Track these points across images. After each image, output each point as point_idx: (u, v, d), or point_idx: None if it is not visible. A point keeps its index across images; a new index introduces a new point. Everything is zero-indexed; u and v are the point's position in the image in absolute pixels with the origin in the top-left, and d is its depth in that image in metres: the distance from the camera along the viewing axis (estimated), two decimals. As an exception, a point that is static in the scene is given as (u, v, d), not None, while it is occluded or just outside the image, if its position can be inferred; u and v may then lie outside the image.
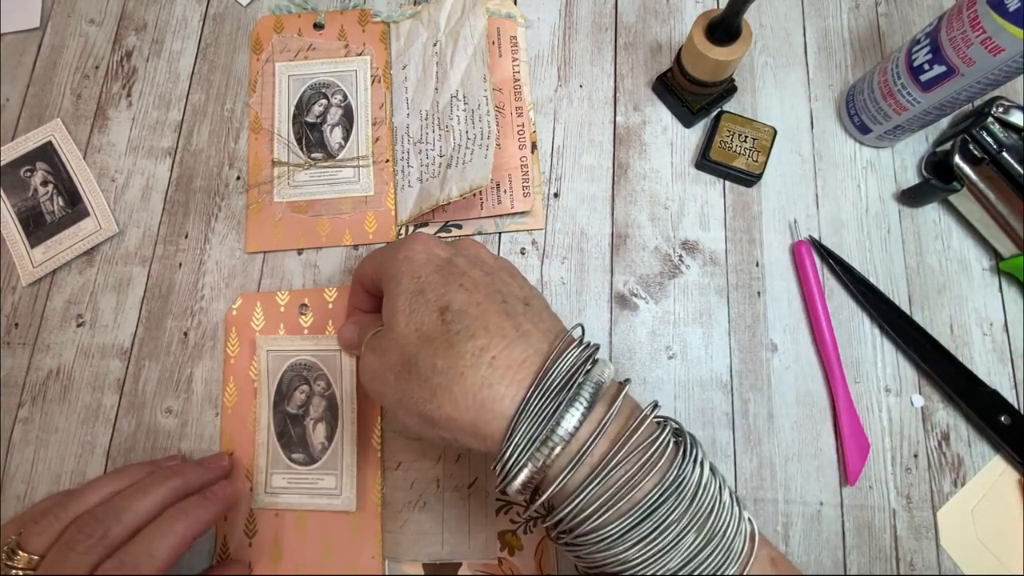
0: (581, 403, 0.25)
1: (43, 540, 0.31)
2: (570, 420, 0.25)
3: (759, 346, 0.40)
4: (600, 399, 0.26)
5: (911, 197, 0.42)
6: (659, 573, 0.24)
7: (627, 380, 0.28)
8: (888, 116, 0.40)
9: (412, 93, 0.44)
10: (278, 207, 0.43)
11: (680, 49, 0.41)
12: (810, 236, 0.42)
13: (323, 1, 0.47)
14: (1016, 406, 0.39)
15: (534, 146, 0.44)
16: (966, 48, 0.34)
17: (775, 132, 0.42)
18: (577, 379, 0.26)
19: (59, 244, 0.42)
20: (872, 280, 0.41)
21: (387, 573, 0.37)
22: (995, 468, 0.39)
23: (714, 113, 0.44)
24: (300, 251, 0.42)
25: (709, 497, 0.25)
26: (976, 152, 0.38)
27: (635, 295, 0.41)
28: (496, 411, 0.26)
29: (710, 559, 0.24)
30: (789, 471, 0.39)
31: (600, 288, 0.42)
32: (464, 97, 0.42)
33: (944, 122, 0.43)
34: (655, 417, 0.27)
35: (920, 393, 0.40)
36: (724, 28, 0.37)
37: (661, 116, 0.45)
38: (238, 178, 0.43)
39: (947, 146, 0.40)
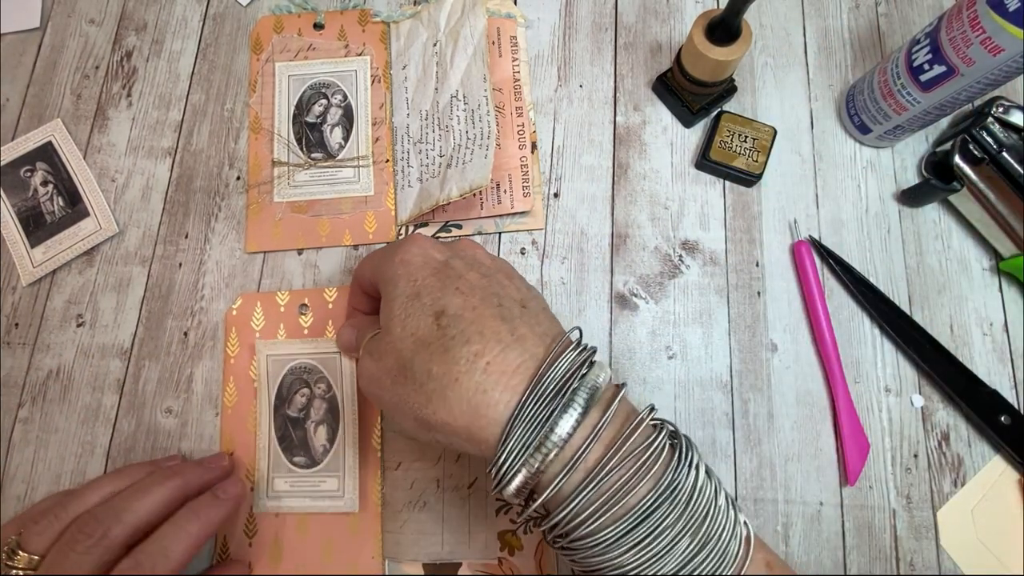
0: (576, 408, 0.25)
1: (43, 540, 0.31)
2: (564, 426, 0.25)
3: (759, 346, 0.40)
4: (595, 403, 0.26)
5: (911, 197, 0.42)
6: None
7: (623, 383, 0.28)
8: (888, 116, 0.40)
9: (412, 93, 0.44)
10: (278, 207, 0.43)
11: (680, 49, 0.41)
12: (810, 236, 0.42)
13: (323, 1, 0.47)
14: (1016, 406, 0.39)
15: (534, 146, 0.44)
16: (966, 48, 0.34)
17: (775, 132, 0.42)
18: (572, 384, 0.26)
19: (59, 244, 0.42)
20: (872, 280, 0.41)
21: (387, 573, 0.37)
22: (995, 468, 0.39)
23: (714, 113, 0.44)
24: (300, 251, 0.42)
25: (704, 501, 0.25)
26: (976, 152, 0.38)
27: (635, 295, 0.41)
28: (490, 417, 0.26)
29: (705, 563, 0.24)
30: (789, 471, 0.39)
31: (600, 288, 0.42)
32: (464, 97, 0.42)
33: (944, 122, 0.43)
34: (652, 420, 0.27)
35: (920, 393, 0.40)
36: (724, 28, 0.37)
37: (661, 116, 0.45)
38: (238, 178, 0.43)
39: (947, 146, 0.40)
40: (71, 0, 0.47)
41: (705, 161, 0.42)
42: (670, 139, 0.44)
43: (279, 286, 0.42)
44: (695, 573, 0.24)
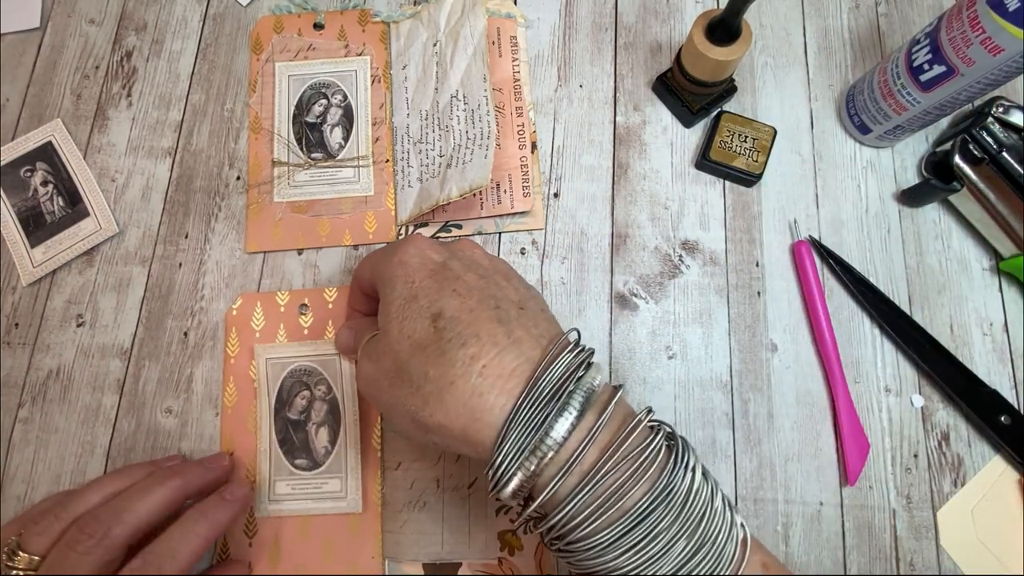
0: (571, 411, 0.25)
1: (44, 540, 0.31)
2: (559, 429, 0.25)
3: (759, 346, 0.40)
4: (591, 406, 0.26)
5: (911, 197, 0.42)
6: None
7: (620, 385, 0.28)
8: (888, 116, 0.40)
9: (412, 93, 0.44)
10: (278, 207, 0.43)
11: (680, 49, 0.41)
12: (810, 236, 0.42)
13: (323, 1, 0.47)
14: (1016, 406, 0.39)
15: (534, 146, 0.44)
16: (966, 48, 0.34)
17: (775, 132, 0.42)
18: (568, 387, 0.26)
19: (59, 244, 0.42)
20: (872, 280, 0.41)
21: (387, 573, 0.37)
22: (995, 468, 0.39)
23: (714, 113, 0.44)
24: (300, 251, 0.42)
25: (700, 504, 0.25)
26: (976, 152, 0.38)
27: (635, 295, 0.41)
28: (486, 420, 0.26)
29: (701, 565, 0.25)
30: (789, 471, 0.39)
31: (600, 288, 0.42)
32: (464, 97, 0.42)
33: (944, 122, 0.43)
34: (649, 422, 0.27)
35: (920, 393, 0.40)
36: (724, 28, 0.37)
37: (661, 116, 0.45)
38: (238, 178, 0.43)
39: (947, 146, 0.40)
40: (71, 0, 0.47)
41: (705, 161, 0.42)
42: (670, 139, 0.44)
43: (279, 286, 0.42)
44: (691, 575, 0.24)
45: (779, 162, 0.43)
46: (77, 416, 0.39)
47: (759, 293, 0.41)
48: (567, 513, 0.25)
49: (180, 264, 0.42)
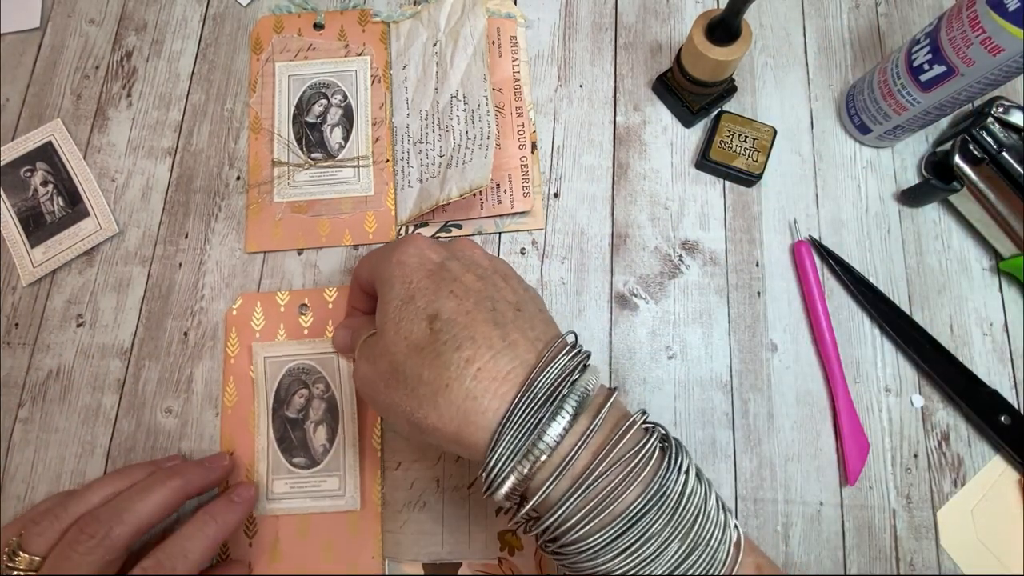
0: (564, 415, 0.25)
1: (44, 541, 0.31)
2: (552, 432, 0.25)
3: (759, 346, 0.40)
4: (585, 409, 0.26)
5: (911, 197, 0.42)
6: None
7: (615, 388, 0.28)
8: (888, 116, 0.40)
9: (412, 93, 0.44)
10: (278, 207, 0.43)
11: (680, 49, 0.41)
12: (810, 236, 0.42)
13: (323, 1, 0.47)
14: (1016, 406, 0.39)
15: (534, 146, 0.44)
16: (966, 48, 0.34)
17: (775, 132, 0.42)
18: (562, 391, 0.26)
19: (59, 244, 0.42)
20: (872, 280, 0.41)
21: (387, 573, 0.37)
22: (995, 468, 0.39)
23: (714, 113, 0.44)
24: (300, 251, 0.42)
25: (693, 506, 0.25)
26: (976, 152, 0.38)
27: (635, 295, 0.41)
28: (479, 424, 0.26)
29: (695, 566, 0.25)
30: (789, 471, 0.39)
31: (600, 288, 0.42)
32: (464, 97, 0.42)
33: (944, 122, 0.43)
34: (644, 424, 0.27)
35: (920, 393, 0.40)
36: (724, 28, 0.37)
37: (661, 116, 0.45)
38: (238, 178, 0.43)
39: (947, 146, 0.40)
40: (71, 0, 0.47)
41: (705, 161, 0.42)
42: (670, 139, 0.44)
43: (279, 286, 0.42)
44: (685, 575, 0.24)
45: (779, 162, 0.43)
46: (77, 416, 0.39)
47: (759, 293, 0.41)
48: (560, 516, 0.25)
49: (180, 264, 0.42)
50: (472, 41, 0.43)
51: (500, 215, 0.42)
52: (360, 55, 0.45)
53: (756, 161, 0.42)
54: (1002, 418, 0.38)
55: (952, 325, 0.41)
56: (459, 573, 0.37)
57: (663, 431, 0.28)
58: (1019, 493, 0.38)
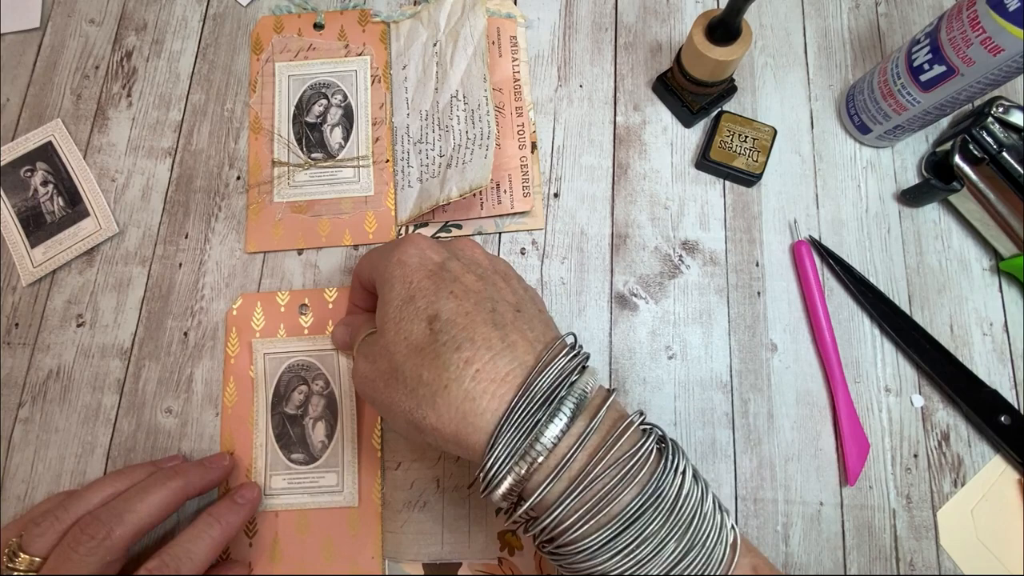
0: (562, 417, 0.25)
1: (45, 542, 0.31)
2: (549, 434, 0.25)
3: (759, 346, 0.40)
4: (583, 411, 0.26)
5: (911, 197, 0.42)
6: None
7: (613, 389, 0.28)
8: (888, 116, 0.40)
9: (412, 93, 0.44)
10: (278, 207, 0.43)
11: (680, 49, 0.41)
12: (810, 236, 0.42)
13: (323, 1, 0.47)
14: (1016, 406, 0.39)
15: (534, 146, 0.44)
16: (966, 48, 0.34)
17: (775, 132, 0.42)
18: (560, 392, 0.26)
19: (59, 244, 0.42)
20: (872, 280, 0.41)
21: (387, 573, 0.37)
22: (995, 468, 0.39)
23: (714, 113, 0.44)
24: (300, 251, 0.42)
25: (690, 507, 0.25)
26: (976, 152, 0.38)
27: (635, 295, 0.41)
28: (477, 425, 0.26)
29: (691, 566, 0.25)
30: (789, 471, 0.39)
31: (600, 288, 0.42)
32: (464, 97, 0.42)
33: (944, 122, 0.44)
34: (641, 425, 0.27)
35: (920, 393, 0.40)
36: (724, 28, 0.37)
37: (661, 116, 0.45)
38: (238, 178, 0.43)
39: (947, 146, 0.40)
40: (71, 0, 0.47)
41: (705, 161, 0.42)
42: (670, 139, 0.44)
43: (279, 286, 0.42)
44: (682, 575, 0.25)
45: (779, 162, 0.43)
46: (77, 416, 0.39)
47: (759, 293, 0.41)
48: (557, 516, 0.25)
49: (180, 264, 0.42)
50: (472, 41, 0.43)
51: (500, 215, 0.42)
52: (360, 55, 0.45)
53: (756, 161, 0.42)
54: (1002, 418, 0.38)
55: (952, 325, 0.41)
56: (459, 573, 0.37)
57: (660, 432, 0.28)
58: (1019, 493, 0.38)
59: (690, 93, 0.42)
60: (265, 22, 0.46)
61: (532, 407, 0.25)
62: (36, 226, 0.42)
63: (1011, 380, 0.40)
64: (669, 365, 0.40)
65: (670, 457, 0.26)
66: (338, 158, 0.43)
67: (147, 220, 0.43)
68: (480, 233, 0.42)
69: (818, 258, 0.42)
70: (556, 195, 0.43)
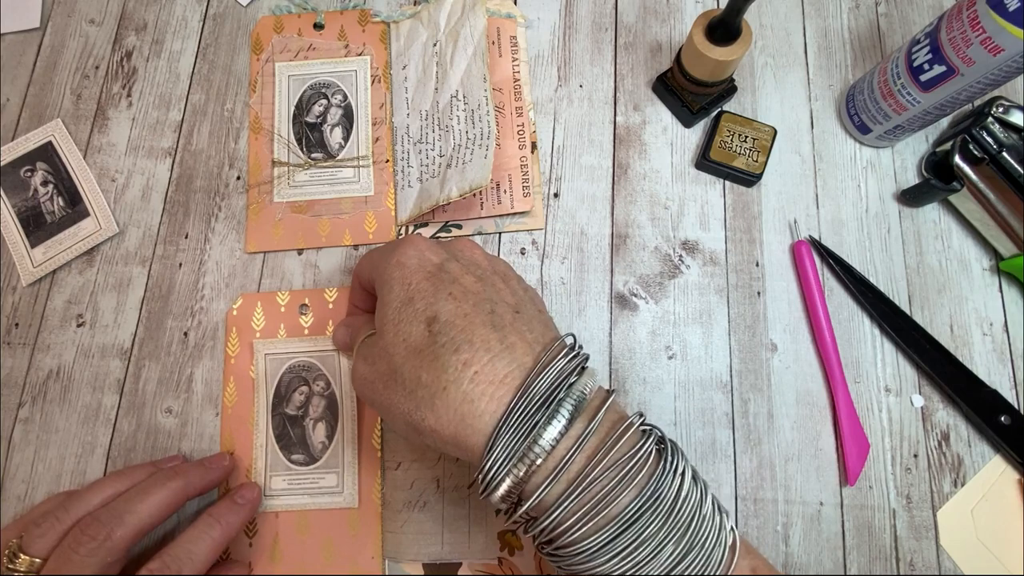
0: (560, 419, 0.25)
1: (45, 543, 0.31)
2: (548, 436, 0.25)
3: (759, 346, 0.40)
4: (581, 413, 0.26)
5: (911, 197, 0.42)
6: None
7: (612, 390, 0.28)
8: (888, 116, 0.40)
9: (412, 93, 0.44)
10: (278, 207, 0.43)
11: (680, 49, 0.41)
12: (810, 236, 0.42)
13: (323, 1, 0.47)
14: (1016, 406, 0.39)
15: (534, 146, 0.44)
16: (966, 48, 0.34)
17: (775, 132, 0.42)
18: (558, 394, 0.26)
19: (59, 244, 0.42)
20: (872, 280, 0.41)
21: (387, 573, 0.37)
22: (995, 468, 0.39)
23: (714, 113, 0.44)
24: (300, 251, 0.42)
25: (688, 509, 0.25)
26: (976, 152, 0.38)
27: (635, 295, 0.41)
28: (476, 427, 0.26)
29: (690, 569, 0.25)
30: (789, 471, 0.39)
31: (600, 288, 0.42)
32: (464, 97, 0.42)
33: (944, 122, 0.43)
34: (640, 426, 0.27)
35: (920, 393, 0.40)
36: (724, 28, 0.37)
37: (661, 116, 0.45)
38: (238, 178, 0.43)
39: (947, 146, 0.40)
40: (71, 0, 0.47)
41: (705, 161, 0.42)
42: (670, 139, 0.44)
43: (279, 286, 0.42)
44: None
45: (779, 162, 0.43)
46: (77, 416, 0.39)
47: (759, 293, 0.41)
48: (555, 518, 0.25)
49: (180, 264, 0.42)
50: (472, 41, 0.43)
51: (500, 215, 0.42)
52: (360, 55, 0.45)
53: (756, 161, 0.42)
54: (1002, 418, 0.38)
55: (952, 325, 0.41)
56: (459, 573, 0.37)
57: (660, 433, 0.28)
58: (1019, 493, 0.38)
59: (690, 93, 0.42)
60: (265, 22, 0.46)
61: (530, 409, 0.25)
62: (36, 226, 0.42)
63: (1011, 380, 0.40)
64: (669, 365, 0.40)
65: (669, 459, 0.26)
66: (338, 158, 0.43)
67: (147, 220, 0.43)
68: (480, 233, 0.42)
69: (818, 258, 0.42)
70: (556, 195, 0.43)
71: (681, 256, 0.42)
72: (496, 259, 0.33)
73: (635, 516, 0.25)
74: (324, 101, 0.44)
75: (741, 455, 0.39)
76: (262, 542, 0.37)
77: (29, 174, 0.43)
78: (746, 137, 0.42)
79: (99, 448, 0.39)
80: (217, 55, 0.46)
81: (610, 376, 0.40)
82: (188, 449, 0.39)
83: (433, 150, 0.42)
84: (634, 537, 0.24)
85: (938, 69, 0.36)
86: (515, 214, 0.42)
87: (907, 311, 0.41)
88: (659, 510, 0.25)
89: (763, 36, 0.46)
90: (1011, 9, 0.32)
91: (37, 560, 0.30)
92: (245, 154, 0.44)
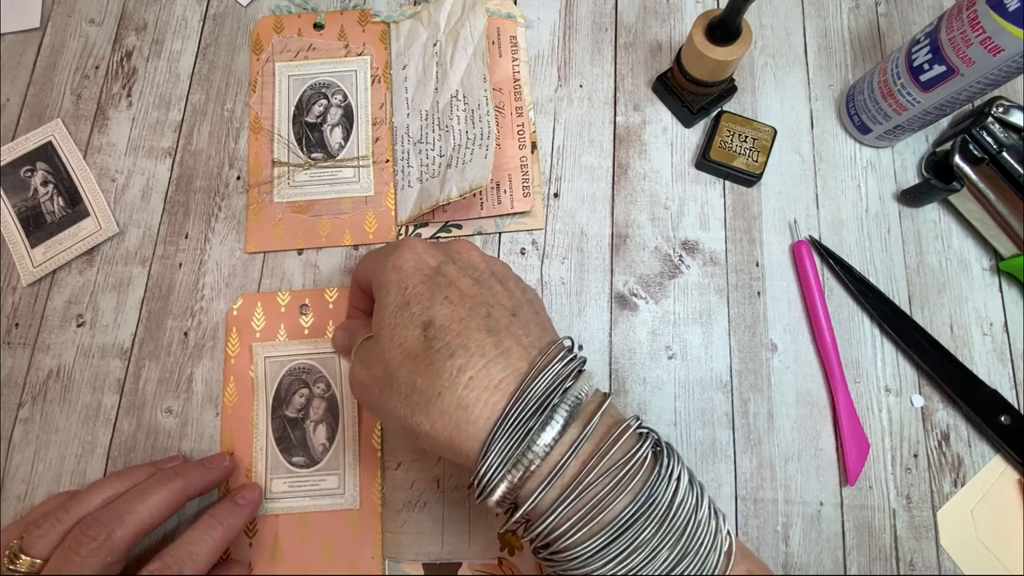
0: (555, 424, 0.25)
1: (46, 543, 0.31)
2: (542, 441, 0.25)
3: (759, 346, 0.40)
4: (577, 417, 0.26)
5: (911, 197, 0.42)
6: None
7: (608, 394, 0.28)
8: (888, 116, 0.40)
9: (412, 93, 0.44)
10: (278, 207, 0.43)
11: (680, 49, 0.41)
12: (810, 236, 0.42)
13: (323, 1, 0.47)
14: (1016, 406, 0.39)
15: (534, 146, 0.44)
16: (966, 48, 0.34)
17: (775, 132, 0.42)
18: (553, 399, 0.26)
19: (59, 244, 0.42)
20: (872, 280, 0.41)
21: (387, 573, 0.37)
22: (995, 468, 0.39)
23: (714, 113, 0.44)
24: (300, 251, 0.42)
25: (684, 513, 0.25)
26: (976, 152, 0.38)
27: (635, 295, 0.41)
28: (470, 432, 0.26)
29: (686, 572, 0.25)
30: (789, 471, 0.39)
31: (600, 288, 0.42)
32: (464, 97, 0.42)
33: (944, 122, 0.44)
34: (637, 430, 0.27)
35: (920, 393, 0.40)
36: (724, 28, 0.37)
37: (661, 116, 0.45)
38: (238, 178, 0.43)
39: (947, 146, 0.40)
40: (71, 0, 0.47)
41: (705, 161, 0.42)
42: (670, 139, 0.44)
43: (279, 286, 0.42)
44: None
45: (779, 162, 0.43)
46: (77, 416, 0.39)
47: (759, 293, 0.41)
48: (550, 523, 0.25)
49: (180, 264, 0.42)
50: (472, 41, 0.43)
51: (500, 215, 0.42)
52: (360, 55, 0.45)
53: (756, 161, 0.42)
54: (1002, 418, 0.38)
55: (952, 325, 0.41)
56: (459, 573, 0.37)
57: (656, 436, 0.28)
58: (1019, 493, 0.38)
59: (690, 93, 0.42)
60: (265, 22, 0.46)
61: (525, 414, 0.25)
62: (36, 226, 0.42)
63: (1011, 380, 0.40)
64: (669, 365, 0.40)
65: (665, 463, 0.26)
66: (338, 158, 0.43)
67: (147, 220, 0.43)
68: (480, 233, 0.42)
69: (818, 258, 0.42)
70: (556, 195, 0.43)
71: (681, 256, 0.42)
72: (494, 260, 0.33)
73: (629, 522, 0.25)
74: (324, 101, 0.44)
75: (741, 455, 0.39)
76: (262, 542, 0.37)
77: (29, 174, 0.43)
78: (746, 137, 0.42)
79: (99, 448, 0.39)
80: (217, 55, 0.46)
81: (610, 376, 0.40)
82: (188, 449, 0.39)
83: (433, 150, 0.42)
84: (628, 542, 0.24)
85: (938, 69, 0.36)
86: (515, 214, 0.42)
87: (907, 311, 0.41)
88: (653, 515, 0.25)
89: (763, 36, 0.46)
90: (1011, 9, 0.32)
91: (38, 561, 0.30)
92: (245, 154, 0.44)
